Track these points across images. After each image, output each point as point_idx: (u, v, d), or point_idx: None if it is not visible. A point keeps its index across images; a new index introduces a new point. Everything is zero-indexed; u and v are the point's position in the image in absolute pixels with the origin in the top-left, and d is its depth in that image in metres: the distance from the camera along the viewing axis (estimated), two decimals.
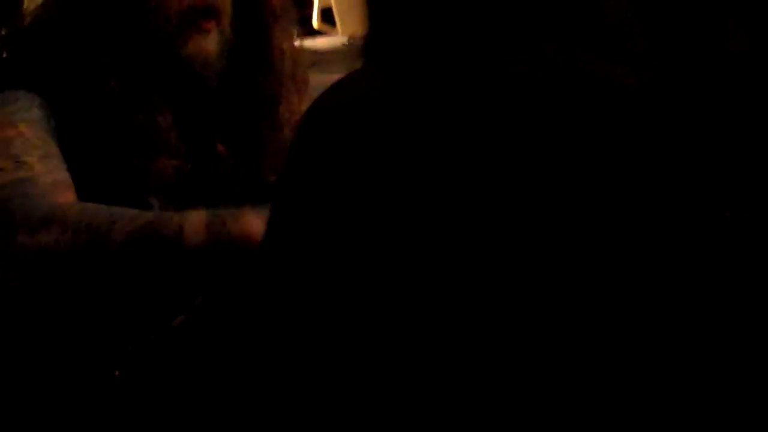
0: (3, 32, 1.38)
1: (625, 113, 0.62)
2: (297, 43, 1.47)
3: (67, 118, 1.27)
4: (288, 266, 0.68)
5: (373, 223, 0.63)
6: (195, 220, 1.15)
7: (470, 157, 0.62)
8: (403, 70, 0.67)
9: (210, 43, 1.26)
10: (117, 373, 1.29)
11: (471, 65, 0.64)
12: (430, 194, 0.62)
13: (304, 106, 1.32)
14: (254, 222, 1.14)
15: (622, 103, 0.62)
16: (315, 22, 5.02)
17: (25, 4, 1.37)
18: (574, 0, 0.64)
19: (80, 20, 1.27)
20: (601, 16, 0.63)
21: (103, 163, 1.28)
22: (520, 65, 0.63)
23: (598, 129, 0.61)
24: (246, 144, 1.34)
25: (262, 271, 0.71)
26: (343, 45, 5.32)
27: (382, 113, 0.66)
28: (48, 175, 1.21)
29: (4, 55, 1.34)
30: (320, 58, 5.18)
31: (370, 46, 0.72)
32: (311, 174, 0.68)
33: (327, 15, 5.03)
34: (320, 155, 0.68)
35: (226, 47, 1.29)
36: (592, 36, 0.63)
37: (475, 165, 0.61)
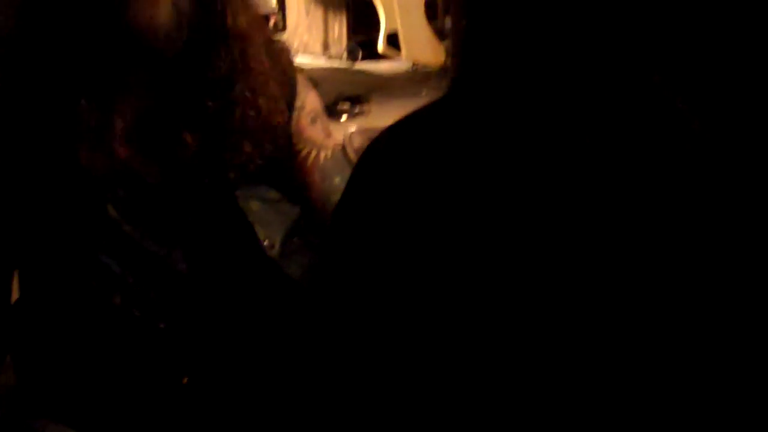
0: None
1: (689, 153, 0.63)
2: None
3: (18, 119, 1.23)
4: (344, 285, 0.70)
5: (418, 258, 0.65)
6: None
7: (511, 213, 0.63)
8: (480, 118, 0.66)
9: (161, 12, 1.19)
10: (185, 380, 1.31)
11: (543, 128, 0.63)
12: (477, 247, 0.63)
13: (271, 87, 1.30)
14: None
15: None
16: (380, 47, 5.07)
17: None
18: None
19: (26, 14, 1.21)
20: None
21: (53, 168, 1.23)
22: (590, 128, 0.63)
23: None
24: (206, 126, 1.26)
25: (324, 286, 0.72)
26: (407, 70, 5.36)
27: (441, 161, 0.66)
28: None
29: None
30: (384, 82, 5.23)
31: (459, 81, 0.71)
32: (367, 209, 0.69)
33: (392, 40, 5.08)
34: (377, 192, 0.69)
35: (183, 19, 1.21)
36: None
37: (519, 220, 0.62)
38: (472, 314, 0.63)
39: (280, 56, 1.37)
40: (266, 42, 1.35)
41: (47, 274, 1.30)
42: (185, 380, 1.28)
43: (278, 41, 1.40)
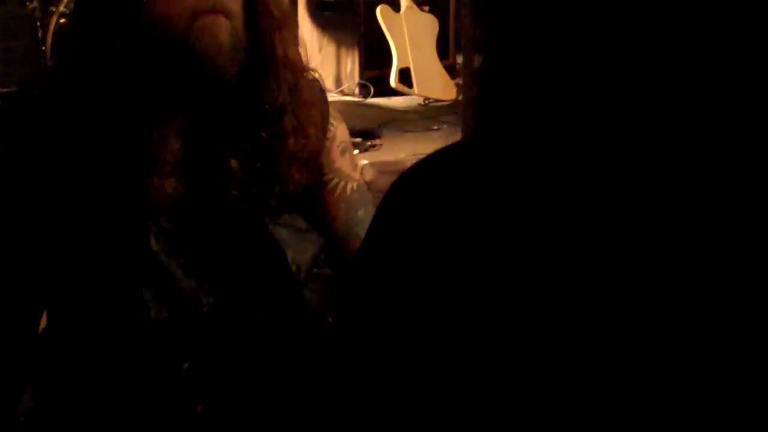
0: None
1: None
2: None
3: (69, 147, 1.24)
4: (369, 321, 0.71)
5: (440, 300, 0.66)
6: None
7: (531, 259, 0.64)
8: (500, 161, 0.67)
9: (222, 31, 1.21)
10: (199, 409, 1.32)
11: (562, 175, 0.64)
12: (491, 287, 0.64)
13: (313, 117, 1.33)
14: None
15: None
16: (393, 82, 5.11)
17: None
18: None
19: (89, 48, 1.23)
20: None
21: (99, 187, 1.24)
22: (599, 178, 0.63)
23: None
24: (254, 155, 1.28)
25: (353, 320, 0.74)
26: (419, 105, 5.40)
27: (464, 201, 0.67)
28: None
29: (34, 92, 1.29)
30: (396, 117, 5.27)
31: (482, 121, 0.70)
32: (389, 248, 0.70)
33: (404, 76, 5.13)
34: (400, 233, 0.70)
35: (240, 45, 1.24)
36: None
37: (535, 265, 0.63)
38: (489, 355, 0.64)
39: (314, 87, 1.40)
40: (311, 75, 1.38)
41: (81, 306, 1.32)
42: (199, 408, 1.30)
43: (311, 72, 1.42)
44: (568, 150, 0.64)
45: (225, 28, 1.23)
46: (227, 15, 1.23)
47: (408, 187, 0.71)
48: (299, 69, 1.33)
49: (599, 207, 0.63)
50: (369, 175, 3.53)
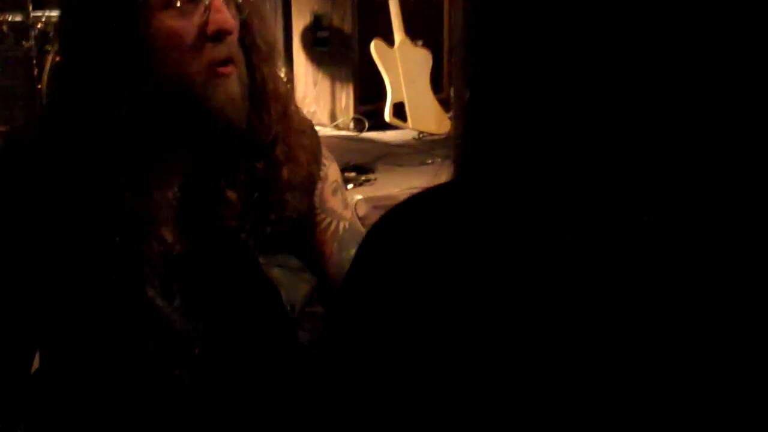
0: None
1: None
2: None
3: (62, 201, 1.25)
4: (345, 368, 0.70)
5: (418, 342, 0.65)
6: None
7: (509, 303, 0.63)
8: (482, 203, 0.66)
9: (233, 85, 1.25)
10: None
11: (543, 222, 0.63)
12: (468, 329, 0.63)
13: (303, 144, 1.36)
14: None
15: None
16: (387, 116, 5.14)
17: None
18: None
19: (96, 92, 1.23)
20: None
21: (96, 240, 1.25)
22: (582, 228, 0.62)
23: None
24: (251, 186, 1.31)
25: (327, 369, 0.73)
26: (413, 139, 5.42)
27: (449, 242, 0.66)
28: None
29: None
30: (391, 150, 5.29)
31: (466, 162, 0.70)
32: (371, 286, 0.70)
33: (398, 110, 5.15)
34: (382, 271, 0.69)
35: (246, 90, 1.28)
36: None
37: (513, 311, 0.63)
38: (460, 400, 0.63)
39: (306, 125, 1.43)
40: (296, 107, 1.42)
41: (76, 348, 1.32)
42: None
43: (302, 112, 1.45)
44: (549, 198, 0.64)
45: (235, 80, 1.26)
46: (236, 63, 1.26)
47: (388, 228, 0.71)
48: (287, 99, 1.36)
49: (571, 258, 0.62)
50: (363, 210, 3.54)
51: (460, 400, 0.63)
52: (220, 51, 1.23)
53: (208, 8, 1.22)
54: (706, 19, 0.60)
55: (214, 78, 1.23)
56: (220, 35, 1.22)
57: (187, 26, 1.21)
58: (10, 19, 4.42)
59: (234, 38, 1.26)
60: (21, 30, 4.42)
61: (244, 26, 1.29)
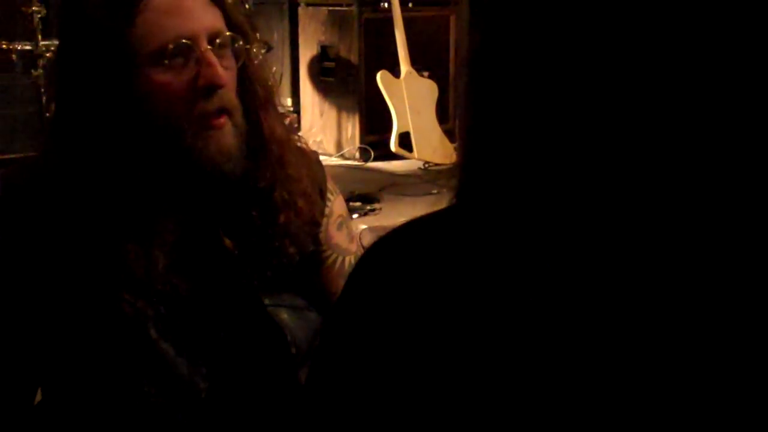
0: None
1: None
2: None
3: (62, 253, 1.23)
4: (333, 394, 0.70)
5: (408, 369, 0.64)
6: None
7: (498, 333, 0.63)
8: (478, 235, 0.66)
9: (227, 136, 1.23)
10: None
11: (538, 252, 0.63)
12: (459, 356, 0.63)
13: (301, 190, 1.33)
14: None
15: None
16: (393, 146, 5.16)
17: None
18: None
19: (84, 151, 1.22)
20: None
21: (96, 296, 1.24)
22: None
23: None
24: (248, 233, 1.29)
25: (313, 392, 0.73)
26: (419, 169, 5.43)
27: (441, 267, 0.66)
28: None
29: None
30: (396, 180, 5.30)
31: (463, 192, 0.69)
32: (362, 311, 0.69)
33: (404, 140, 5.17)
34: (372, 294, 0.69)
35: (243, 139, 1.26)
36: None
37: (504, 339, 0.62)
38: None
39: (311, 160, 1.41)
40: (297, 146, 1.39)
41: (78, 389, 1.31)
42: None
43: (307, 147, 1.43)
44: (542, 227, 0.63)
45: (230, 130, 1.24)
46: (231, 113, 1.24)
47: (381, 252, 0.71)
48: (285, 143, 1.34)
49: (563, 288, 0.62)
50: (368, 240, 3.53)
51: (448, 422, 0.63)
52: (212, 103, 1.21)
53: (198, 62, 1.20)
54: (702, 33, 0.59)
55: (206, 130, 1.21)
56: (211, 89, 1.21)
57: (177, 81, 1.20)
58: (18, 47, 4.46)
59: (229, 88, 1.24)
60: (29, 59, 4.45)
61: (242, 71, 1.28)
